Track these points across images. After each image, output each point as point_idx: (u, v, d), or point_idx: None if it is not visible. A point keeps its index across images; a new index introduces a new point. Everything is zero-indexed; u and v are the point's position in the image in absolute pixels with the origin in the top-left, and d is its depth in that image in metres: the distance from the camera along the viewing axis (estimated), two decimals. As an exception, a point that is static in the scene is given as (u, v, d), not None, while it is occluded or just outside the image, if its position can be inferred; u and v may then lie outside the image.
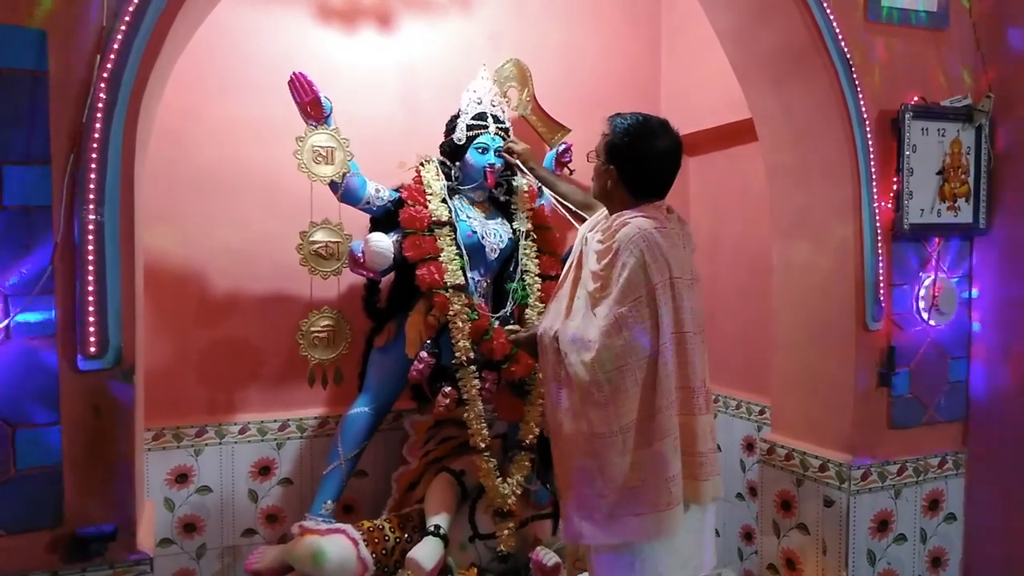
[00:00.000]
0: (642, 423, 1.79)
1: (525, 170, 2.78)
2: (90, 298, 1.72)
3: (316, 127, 2.49)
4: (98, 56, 1.72)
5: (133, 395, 1.81)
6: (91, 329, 1.72)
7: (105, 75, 1.73)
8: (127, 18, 1.74)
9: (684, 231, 1.97)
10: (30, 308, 1.70)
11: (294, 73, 2.44)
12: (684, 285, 1.85)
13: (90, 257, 1.72)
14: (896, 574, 2.52)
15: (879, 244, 2.44)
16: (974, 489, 2.62)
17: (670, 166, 1.97)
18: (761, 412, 3.03)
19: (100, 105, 1.72)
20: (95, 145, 1.72)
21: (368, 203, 2.65)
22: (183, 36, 2.04)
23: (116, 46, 1.73)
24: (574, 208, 2.60)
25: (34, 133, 1.68)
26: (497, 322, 2.68)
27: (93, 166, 1.72)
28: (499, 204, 2.88)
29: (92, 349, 1.73)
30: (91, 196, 1.71)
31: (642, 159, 1.93)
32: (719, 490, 1.92)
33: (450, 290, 2.59)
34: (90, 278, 1.72)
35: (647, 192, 1.95)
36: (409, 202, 2.66)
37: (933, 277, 2.54)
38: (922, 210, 2.50)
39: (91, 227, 1.72)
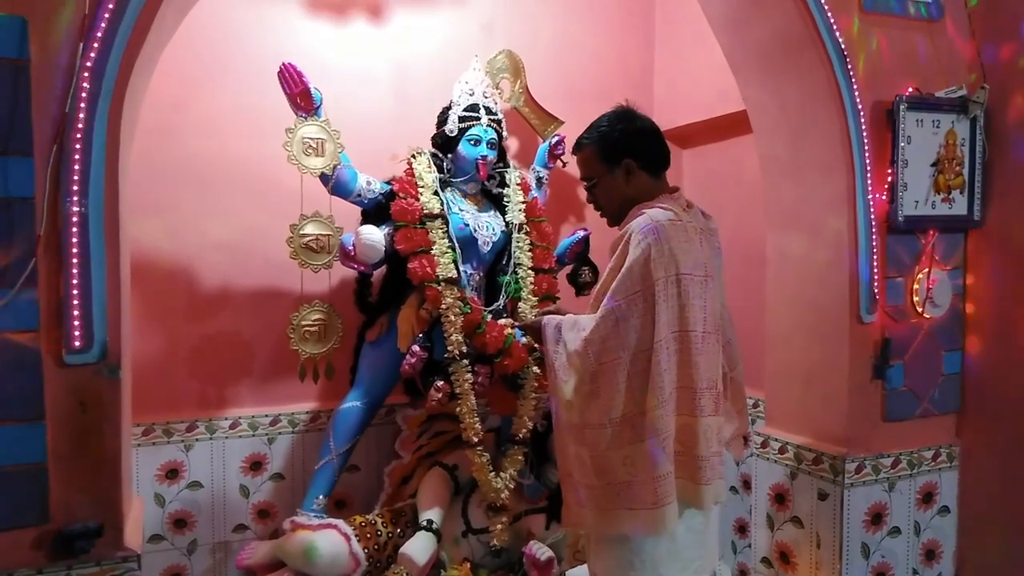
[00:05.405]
0: (634, 418, 1.76)
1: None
2: (75, 291, 1.69)
3: (306, 118, 2.46)
4: (81, 44, 1.69)
5: (120, 390, 1.78)
6: (76, 323, 1.70)
7: (89, 64, 1.70)
8: (111, 5, 1.71)
9: (708, 226, 1.91)
10: (13, 301, 1.67)
11: (283, 64, 2.42)
12: (694, 282, 1.78)
13: (74, 249, 1.69)
14: (890, 567, 2.52)
15: (873, 236, 2.42)
16: (968, 482, 2.61)
17: (662, 137, 1.99)
18: (755, 405, 3.01)
19: (84, 95, 1.69)
20: (79, 136, 1.69)
21: (359, 195, 2.63)
22: (169, 25, 2.01)
23: (99, 34, 1.70)
24: None
25: (16, 123, 1.65)
26: (490, 316, 2.66)
27: (77, 157, 1.69)
28: (492, 197, 2.86)
29: (77, 343, 1.70)
30: (75, 187, 1.68)
31: (644, 135, 1.94)
32: (720, 494, 1.87)
33: (442, 283, 2.57)
34: (74, 271, 1.69)
35: (662, 164, 1.95)
36: (401, 195, 2.63)
37: (927, 269, 2.53)
38: (916, 202, 2.49)
39: (75, 219, 1.69)
